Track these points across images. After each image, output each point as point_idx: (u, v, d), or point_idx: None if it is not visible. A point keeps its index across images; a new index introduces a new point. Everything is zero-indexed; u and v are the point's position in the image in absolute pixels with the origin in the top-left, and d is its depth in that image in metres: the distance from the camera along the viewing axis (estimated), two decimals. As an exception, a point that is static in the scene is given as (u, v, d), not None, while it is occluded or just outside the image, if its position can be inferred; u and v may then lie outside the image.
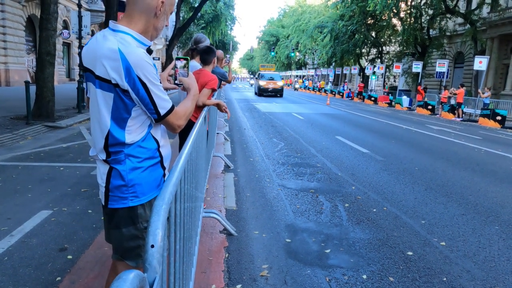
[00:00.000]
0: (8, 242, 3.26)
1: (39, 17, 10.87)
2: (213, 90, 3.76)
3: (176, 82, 1.79)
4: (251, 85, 58.22)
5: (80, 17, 14.18)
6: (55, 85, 10.34)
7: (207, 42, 4.18)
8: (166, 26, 1.68)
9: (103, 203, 1.63)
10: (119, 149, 1.55)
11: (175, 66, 1.78)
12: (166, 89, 1.83)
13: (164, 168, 1.69)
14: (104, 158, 1.57)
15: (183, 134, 3.96)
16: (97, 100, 1.54)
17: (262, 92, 29.96)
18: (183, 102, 1.73)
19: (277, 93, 30.12)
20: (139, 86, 1.48)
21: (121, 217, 1.60)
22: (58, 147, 7.17)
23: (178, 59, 1.78)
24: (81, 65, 16.71)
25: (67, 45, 27.34)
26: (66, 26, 25.39)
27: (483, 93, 18.57)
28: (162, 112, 1.56)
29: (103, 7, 17.52)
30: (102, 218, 3.82)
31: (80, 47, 15.29)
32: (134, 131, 1.56)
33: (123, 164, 1.55)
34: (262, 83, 30.15)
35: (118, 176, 1.56)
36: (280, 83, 30.52)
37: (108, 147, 1.55)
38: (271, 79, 30.72)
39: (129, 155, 1.56)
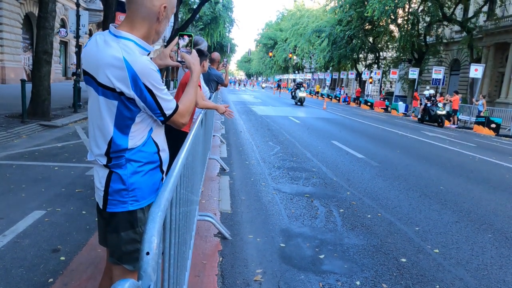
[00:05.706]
0: (0, 242, 3.23)
1: (36, 15, 10.81)
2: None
3: (178, 59, 1.78)
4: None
5: (78, 16, 14.17)
6: (51, 83, 10.28)
7: (204, 44, 4.19)
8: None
9: (101, 207, 1.61)
10: (121, 154, 1.54)
11: (177, 44, 1.77)
12: (168, 66, 1.82)
13: (162, 172, 1.68)
14: (105, 163, 1.56)
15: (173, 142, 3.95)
16: (99, 107, 1.52)
17: None
18: (184, 94, 1.71)
19: None
20: (146, 94, 1.47)
21: (120, 221, 1.58)
22: (53, 146, 7.13)
23: (181, 36, 1.76)
24: (78, 64, 16.65)
25: (64, 44, 27.22)
26: (63, 24, 25.31)
27: (476, 101, 18.78)
28: (168, 113, 1.57)
29: (101, 7, 17.46)
30: (96, 219, 3.81)
31: (78, 46, 15.25)
32: (137, 136, 1.55)
33: (124, 169, 1.54)
34: None
35: (118, 180, 1.54)
36: None
37: (110, 153, 1.54)
38: None
39: (130, 159, 1.55)
